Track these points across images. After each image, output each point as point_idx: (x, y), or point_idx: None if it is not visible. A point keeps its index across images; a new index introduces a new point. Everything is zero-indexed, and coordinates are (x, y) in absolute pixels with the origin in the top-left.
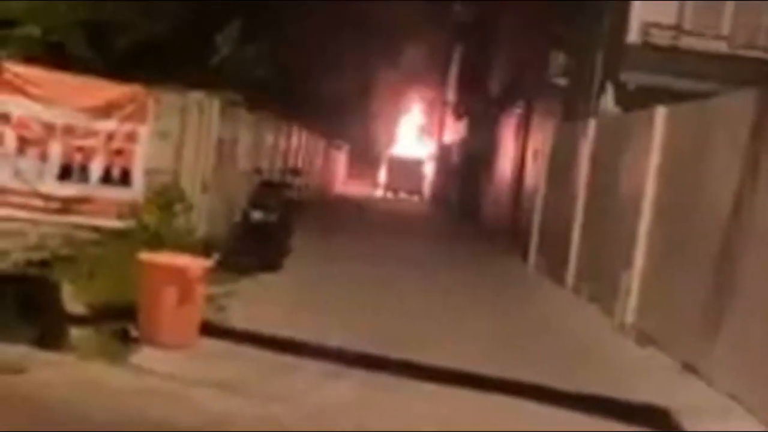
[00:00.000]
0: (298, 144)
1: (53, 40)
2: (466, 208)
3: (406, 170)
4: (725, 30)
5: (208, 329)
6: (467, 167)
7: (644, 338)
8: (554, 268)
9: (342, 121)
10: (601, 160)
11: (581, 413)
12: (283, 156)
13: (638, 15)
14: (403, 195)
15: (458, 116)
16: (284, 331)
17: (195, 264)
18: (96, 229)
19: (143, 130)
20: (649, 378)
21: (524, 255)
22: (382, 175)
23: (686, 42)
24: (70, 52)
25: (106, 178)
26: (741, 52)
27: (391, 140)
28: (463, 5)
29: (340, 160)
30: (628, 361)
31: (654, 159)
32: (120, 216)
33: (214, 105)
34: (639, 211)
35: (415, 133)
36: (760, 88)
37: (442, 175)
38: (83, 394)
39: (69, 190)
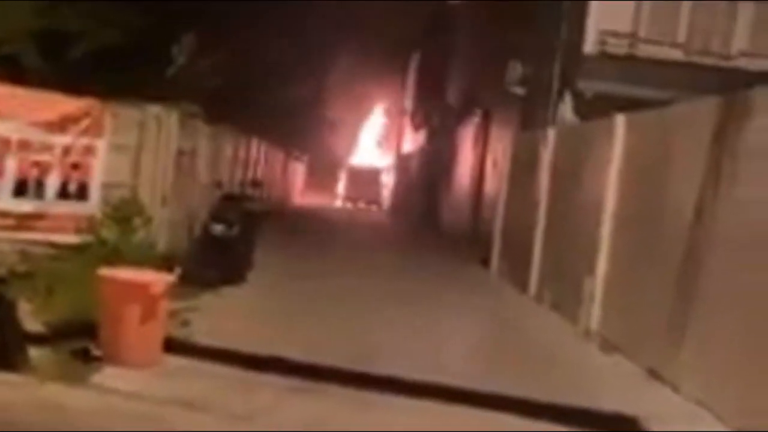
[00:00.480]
0: (257, 155)
1: (6, 52)
2: (426, 217)
3: (365, 180)
4: (681, 38)
5: (172, 346)
6: (427, 176)
7: (609, 345)
8: (516, 275)
9: (301, 131)
10: (561, 168)
11: (547, 422)
12: (243, 168)
13: (594, 24)
14: (362, 205)
15: (417, 125)
16: (249, 346)
17: (158, 279)
18: (53, 245)
19: (100, 144)
20: (614, 385)
21: (486, 262)
22: (341, 185)
23: (642, 50)
24: (24, 64)
25: (63, 193)
26: (696, 59)
27: (350, 150)
28: (420, 14)
29: (299, 170)
30: (594, 369)
31: (615, 166)
32: (78, 231)
33: (172, 118)
34: (601, 217)
35: (374, 143)
36: (723, 96)
37: (401, 184)
38: (44, 416)
39: (25, 206)
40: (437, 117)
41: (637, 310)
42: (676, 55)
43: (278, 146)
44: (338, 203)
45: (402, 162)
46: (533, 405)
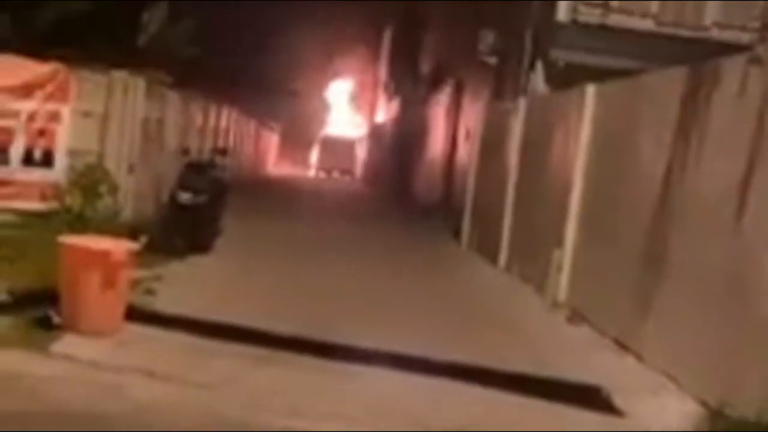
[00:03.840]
0: (227, 124)
1: None
2: (398, 187)
3: (338, 150)
4: (653, 8)
5: (135, 314)
6: (399, 146)
7: (576, 316)
8: (487, 246)
9: (274, 101)
10: (532, 139)
11: (513, 393)
12: (213, 136)
13: None
14: (335, 175)
15: (390, 96)
16: (214, 315)
17: (119, 247)
18: (18, 212)
19: (65, 110)
20: (581, 356)
21: (457, 234)
22: (315, 155)
23: (614, 20)
24: None
25: (28, 160)
26: (668, 30)
27: (323, 120)
28: None
29: (272, 140)
30: (560, 340)
31: (585, 137)
32: (43, 198)
33: (139, 84)
34: (570, 189)
35: (348, 113)
36: (690, 66)
37: (374, 154)
38: (1, 384)
39: None
40: (410, 87)
41: (605, 282)
42: (648, 25)
43: (251, 116)
44: (312, 173)
45: (375, 132)
46: (499, 375)
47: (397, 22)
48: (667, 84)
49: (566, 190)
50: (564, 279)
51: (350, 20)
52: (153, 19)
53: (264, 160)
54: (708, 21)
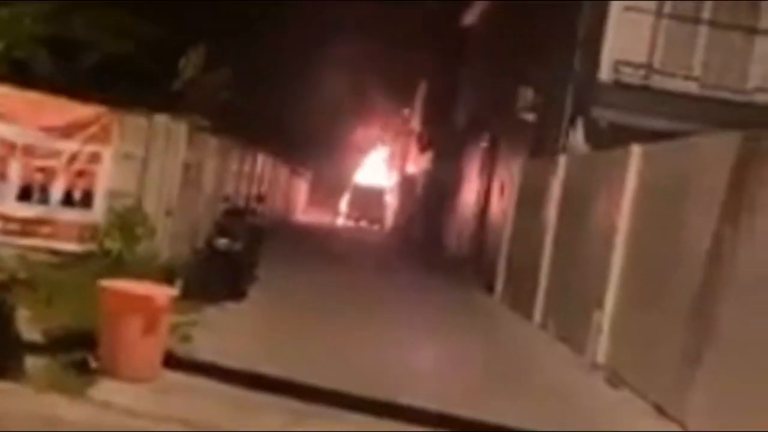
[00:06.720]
0: (261, 171)
1: (16, 56)
2: (428, 239)
3: (368, 199)
4: (696, 71)
5: (172, 361)
6: (431, 198)
7: (616, 379)
8: (521, 302)
9: (305, 148)
10: (572, 197)
11: None
12: (248, 182)
13: (609, 53)
14: (364, 224)
15: (423, 147)
16: (250, 364)
17: (160, 292)
18: (56, 252)
19: (106, 152)
20: (620, 420)
21: (489, 288)
22: (344, 203)
23: (657, 81)
24: (34, 69)
25: (68, 200)
26: (711, 92)
27: (353, 169)
28: (432, 38)
29: (302, 187)
30: (600, 403)
31: (628, 197)
32: (81, 239)
33: (180, 129)
34: (612, 249)
35: (379, 163)
36: (745, 131)
37: (405, 205)
38: (36, 428)
39: (28, 211)
40: (444, 139)
41: (647, 346)
42: (691, 87)
43: (283, 162)
44: (340, 221)
45: (406, 183)
46: None
47: (432, 74)
48: (720, 148)
49: (608, 251)
50: (604, 340)
51: (387, 71)
52: (189, 65)
53: (293, 206)
54: (751, 85)
